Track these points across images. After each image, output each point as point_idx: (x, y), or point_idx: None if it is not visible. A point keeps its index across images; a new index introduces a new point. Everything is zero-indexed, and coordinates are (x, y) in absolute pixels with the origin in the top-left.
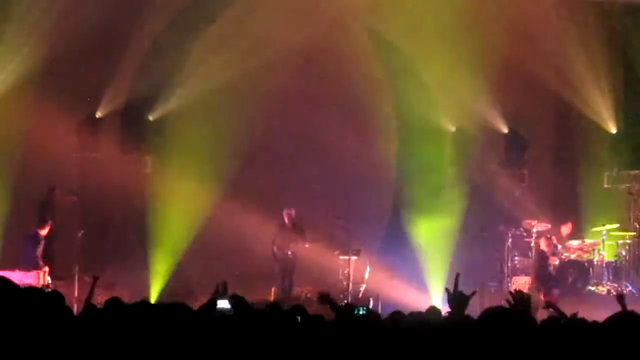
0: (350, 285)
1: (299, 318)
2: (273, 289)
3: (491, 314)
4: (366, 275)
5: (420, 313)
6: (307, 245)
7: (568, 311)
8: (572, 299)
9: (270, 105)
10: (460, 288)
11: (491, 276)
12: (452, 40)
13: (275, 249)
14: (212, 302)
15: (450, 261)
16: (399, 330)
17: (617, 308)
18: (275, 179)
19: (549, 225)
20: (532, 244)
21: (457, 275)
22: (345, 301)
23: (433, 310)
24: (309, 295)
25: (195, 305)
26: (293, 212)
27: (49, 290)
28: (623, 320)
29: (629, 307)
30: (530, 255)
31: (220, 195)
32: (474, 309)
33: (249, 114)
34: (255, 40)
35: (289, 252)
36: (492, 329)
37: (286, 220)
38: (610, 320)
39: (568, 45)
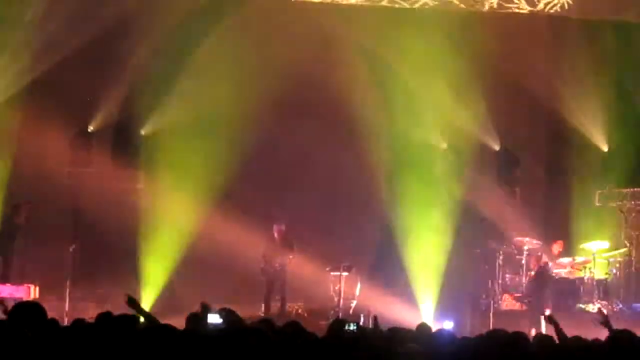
0: (341, 301)
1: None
2: (263, 305)
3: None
4: (357, 292)
5: (409, 330)
6: (291, 257)
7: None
8: (563, 317)
9: (264, 121)
10: (452, 304)
11: (482, 293)
12: (444, 59)
13: (263, 263)
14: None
15: (442, 278)
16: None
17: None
18: (267, 194)
19: (540, 243)
20: (523, 262)
21: (375, 318)
22: (336, 317)
23: (423, 326)
24: (300, 311)
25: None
26: (283, 227)
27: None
28: (625, 340)
29: (620, 327)
30: (521, 272)
31: (212, 210)
32: (464, 326)
33: (242, 129)
34: (249, 57)
35: (277, 266)
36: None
37: (276, 235)
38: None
39: (559, 63)
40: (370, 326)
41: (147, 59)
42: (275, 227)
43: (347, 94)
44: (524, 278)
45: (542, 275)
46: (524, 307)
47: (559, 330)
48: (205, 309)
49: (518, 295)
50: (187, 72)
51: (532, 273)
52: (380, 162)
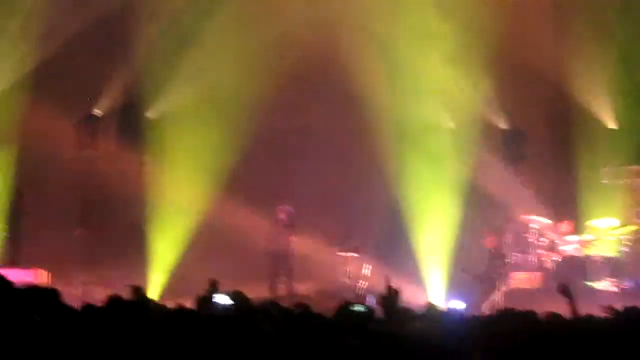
0: (350, 282)
1: None
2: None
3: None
4: (365, 272)
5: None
6: (295, 239)
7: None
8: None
9: (270, 103)
10: (458, 284)
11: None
12: (448, 37)
13: (267, 245)
14: (205, 300)
15: (449, 258)
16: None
17: (618, 302)
18: (274, 177)
19: (549, 221)
20: (531, 240)
21: (387, 278)
22: (344, 298)
23: (432, 306)
24: (307, 292)
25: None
26: (288, 208)
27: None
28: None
29: (631, 304)
30: (529, 250)
31: (220, 193)
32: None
33: (249, 111)
34: (254, 38)
35: (282, 247)
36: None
37: (281, 216)
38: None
39: (567, 39)
40: (385, 290)
41: (152, 41)
42: (279, 209)
43: (353, 74)
44: (531, 256)
45: (497, 255)
46: (534, 286)
47: (572, 305)
48: (214, 285)
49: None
50: (193, 53)
51: (491, 251)
52: (386, 142)
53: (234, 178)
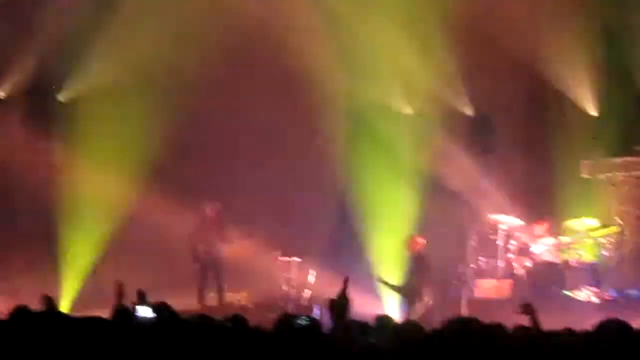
0: (292, 291)
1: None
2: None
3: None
4: (310, 280)
5: (368, 323)
6: (227, 240)
7: (542, 318)
8: (546, 305)
9: (200, 84)
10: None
11: (453, 279)
12: (409, 12)
13: (195, 246)
14: (123, 311)
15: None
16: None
17: (600, 315)
18: (204, 170)
19: (520, 221)
20: (500, 243)
21: (346, 280)
22: (287, 310)
23: (384, 319)
24: (243, 302)
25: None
26: (217, 204)
27: None
28: (611, 327)
29: (613, 315)
30: (497, 255)
31: (142, 188)
32: (434, 317)
33: (175, 94)
34: (183, 7)
35: (211, 250)
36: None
37: (209, 214)
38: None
39: (544, 17)
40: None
41: (65, 14)
42: (208, 205)
43: (299, 52)
44: (499, 261)
45: (421, 260)
46: (503, 295)
47: (535, 323)
48: (142, 297)
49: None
50: (110, 28)
51: (411, 256)
52: (337, 129)
53: (158, 170)
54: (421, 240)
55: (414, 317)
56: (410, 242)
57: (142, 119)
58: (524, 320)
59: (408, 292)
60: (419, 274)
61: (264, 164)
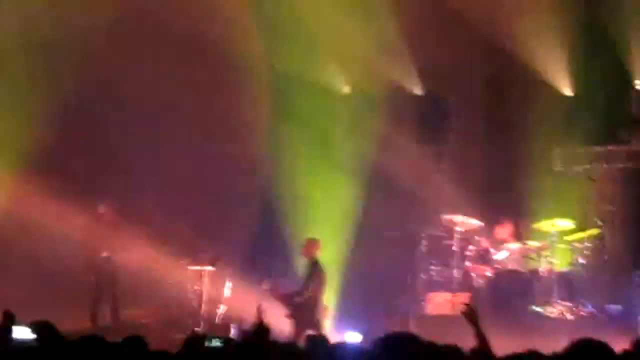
0: (204, 306)
1: None
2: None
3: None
4: (226, 293)
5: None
6: (125, 247)
7: (506, 338)
8: (511, 323)
9: (94, 58)
10: (359, 308)
11: (399, 292)
12: None
13: (88, 253)
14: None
15: (344, 274)
16: None
17: (575, 334)
18: (97, 162)
19: (480, 222)
20: (455, 248)
21: (260, 310)
22: (198, 329)
23: (315, 340)
24: (145, 321)
25: None
26: (114, 204)
27: None
28: (585, 349)
29: (589, 335)
30: (452, 263)
31: (21, 184)
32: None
33: (59, 66)
34: None
35: (104, 258)
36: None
37: (103, 214)
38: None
39: None
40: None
41: None
42: (101, 204)
43: (219, 25)
44: (455, 270)
45: (317, 266)
46: (459, 311)
47: (479, 335)
48: (10, 320)
49: (284, 294)
50: None
51: (307, 261)
52: (258, 112)
53: (40, 161)
54: (318, 244)
55: (323, 330)
56: (307, 247)
57: (17, 101)
58: (496, 336)
59: (309, 304)
60: (316, 280)
61: (171, 153)
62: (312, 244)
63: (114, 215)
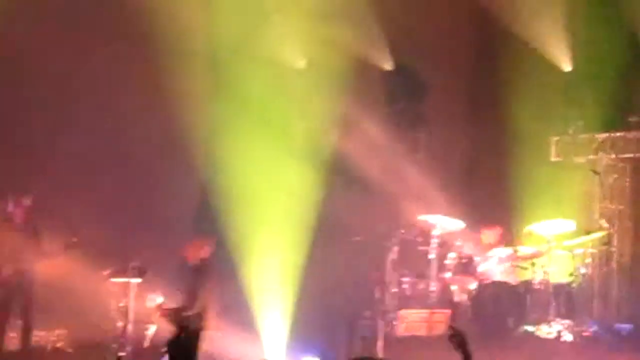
0: (130, 326)
1: None
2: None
3: None
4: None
5: None
6: (41, 253)
7: None
8: (499, 345)
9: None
10: (316, 328)
11: (365, 309)
12: None
13: None
14: None
15: (298, 287)
16: None
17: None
18: (6, 153)
19: (462, 224)
20: (432, 256)
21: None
22: (122, 354)
23: None
24: (60, 344)
25: None
26: (28, 201)
27: None
28: None
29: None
30: (428, 274)
31: None
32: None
33: None
34: None
35: (16, 268)
36: None
37: (15, 214)
38: None
39: None
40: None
41: None
42: (11, 200)
43: None
44: (432, 283)
45: (206, 271)
46: (436, 332)
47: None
48: None
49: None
50: None
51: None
52: (196, 90)
53: None
54: (205, 245)
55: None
56: (191, 249)
57: None
58: None
59: (199, 315)
60: (207, 287)
61: (92, 143)
62: (196, 245)
63: (27, 216)
